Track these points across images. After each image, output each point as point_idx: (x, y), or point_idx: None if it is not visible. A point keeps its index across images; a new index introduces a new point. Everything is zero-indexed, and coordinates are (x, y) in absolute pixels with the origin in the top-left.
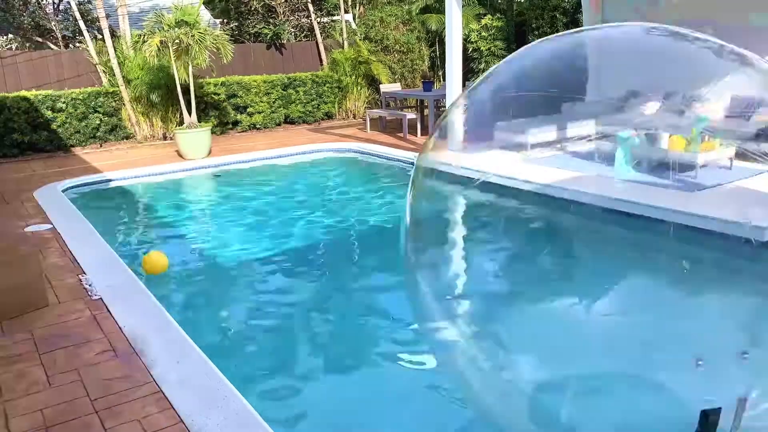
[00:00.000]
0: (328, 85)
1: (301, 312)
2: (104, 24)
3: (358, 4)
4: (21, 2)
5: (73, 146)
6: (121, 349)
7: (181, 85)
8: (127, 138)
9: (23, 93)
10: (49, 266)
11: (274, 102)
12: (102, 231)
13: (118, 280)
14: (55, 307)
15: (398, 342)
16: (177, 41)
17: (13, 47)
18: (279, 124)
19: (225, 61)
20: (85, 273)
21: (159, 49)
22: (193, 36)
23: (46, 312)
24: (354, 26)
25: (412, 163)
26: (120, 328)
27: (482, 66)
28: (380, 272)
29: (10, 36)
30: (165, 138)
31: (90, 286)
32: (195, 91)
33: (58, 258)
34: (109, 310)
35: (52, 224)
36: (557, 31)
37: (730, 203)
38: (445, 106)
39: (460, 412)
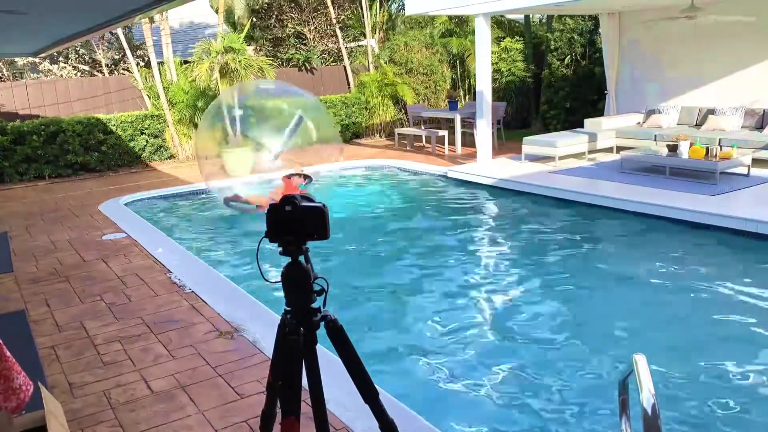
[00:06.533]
0: (356, 106)
1: None
2: (151, 51)
3: (378, 30)
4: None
5: (120, 166)
6: (225, 329)
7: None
8: (170, 158)
9: (78, 116)
10: (138, 267)
11: None
12: (173, 236)
13: (203, 276)
14: (155, 299)
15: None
16: (224, 66)
17: (63, 75)
18: (311, 143)
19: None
20: (171, 271)
21: (207, 73)
22: (240, 62)
23: (149, 303)
24: (377, 50)
25: (445, 175)
26: (218, 313)
27: (503, 86)
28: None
29: (62, 64)
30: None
31: (180, 281)
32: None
33: (143, 260)
34: (204, 300)
35: (125, 233)
36: (575, 52)
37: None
38: (472, 122)
39: None
